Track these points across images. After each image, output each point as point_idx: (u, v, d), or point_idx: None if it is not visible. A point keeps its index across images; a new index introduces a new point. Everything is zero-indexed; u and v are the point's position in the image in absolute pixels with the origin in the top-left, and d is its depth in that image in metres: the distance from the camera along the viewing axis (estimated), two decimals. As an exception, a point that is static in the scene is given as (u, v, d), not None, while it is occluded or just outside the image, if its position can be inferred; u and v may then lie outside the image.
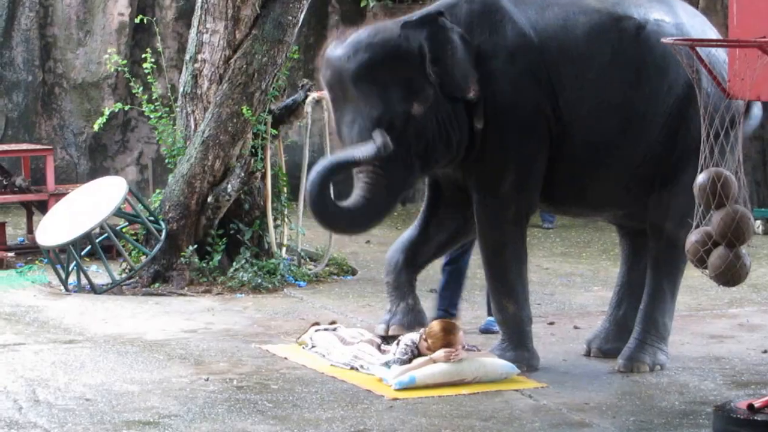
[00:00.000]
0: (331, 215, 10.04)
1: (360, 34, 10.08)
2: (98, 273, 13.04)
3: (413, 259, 10.46)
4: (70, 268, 12.86)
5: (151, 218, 13.10)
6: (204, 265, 13.10)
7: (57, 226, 12.89)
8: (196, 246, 12.95)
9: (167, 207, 13.19)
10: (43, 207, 14.42)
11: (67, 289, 12.83)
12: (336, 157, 10.25)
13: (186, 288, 12.74)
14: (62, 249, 12.82)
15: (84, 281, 12.87)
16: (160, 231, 13.01)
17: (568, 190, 10.29)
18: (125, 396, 9.13)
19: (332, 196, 10.08)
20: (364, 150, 9.61)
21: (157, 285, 12.84)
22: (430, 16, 9.87)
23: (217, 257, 13.14)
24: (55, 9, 19.77)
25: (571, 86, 10.00)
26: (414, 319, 10.22)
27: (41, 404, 8.89)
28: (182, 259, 13.09)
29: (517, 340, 10.06)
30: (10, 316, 11.80)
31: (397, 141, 9.64)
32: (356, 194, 9.99)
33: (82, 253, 12.92)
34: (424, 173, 10.28)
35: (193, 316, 11.83)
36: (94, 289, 12.73)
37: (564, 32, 10.06)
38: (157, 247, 12.94)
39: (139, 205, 13.34)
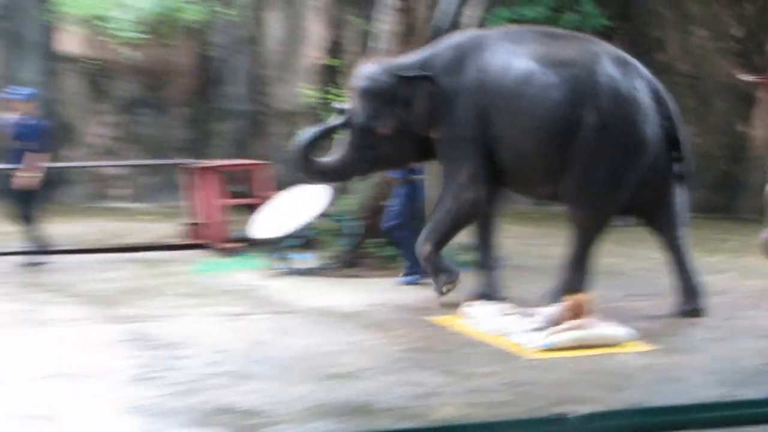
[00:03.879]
0: (310, 169, 11.41)
1: (373, 67, 11.37)
2: (304, 260, 13.16)
3: None
4: (284, 256, 13.14)
5: (344, 217, 13.32)
6: (385, 254, 13.22)
7: (271, 222, 13.11)
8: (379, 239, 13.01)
9: (360, 208, 13.30)
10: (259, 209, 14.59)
11: (280, 272, 13.03)
12: (311, 133, 11.45)
13: (372, 272, 12.86)
14: (277, 240, 13.06)
15: (293, 266, 13.09)
16: (352, 227, 13.24)
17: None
18: (327, 354, 9.29)
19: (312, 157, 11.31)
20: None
21: (349, 270, 12.93)
22: (417, 78, 10.90)
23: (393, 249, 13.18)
24: (264, 53, 20.00)
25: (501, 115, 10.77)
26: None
27: (262, 361, 9.10)
28: (369, 249, 13.27)
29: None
30: (236, 292, 12.05)
31: (359, 139, 11.13)
32: (332, 158, 11.48)
33: (293, 243, 13.10)
34: (370, 166, 11.53)
35: (377, 294, 11.90)
36: (301, 272, 12.94)
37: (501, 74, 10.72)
38: (350, 240, 13.15)
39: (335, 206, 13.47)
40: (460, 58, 10.90)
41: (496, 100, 10.70)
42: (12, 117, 13.56)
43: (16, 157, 13.57)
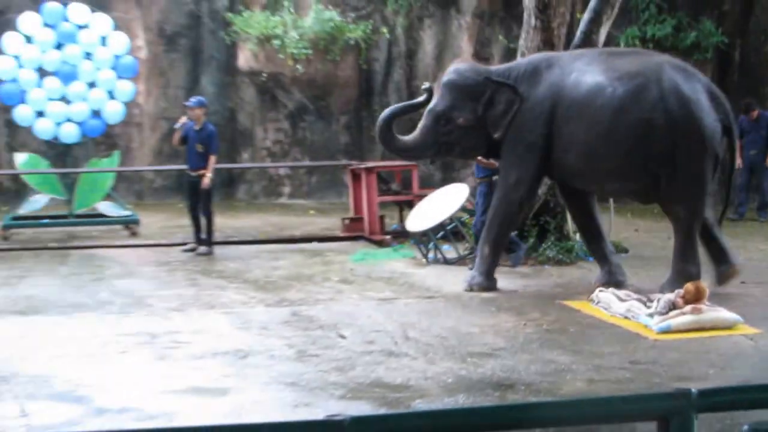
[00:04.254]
0: (389, 142, 11.73)
1: (463, 65, 11.78)
2: (448, 250, 13.15)
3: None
4: (429, 247, 13.17)
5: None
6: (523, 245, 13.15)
7: (420, 217, 13.16)
8: (517, 233, 12.91)
9: None
10: (410, 204, 14.69)
11: (427, 261, 13.06)
12: (393, 108, 12.12)
13: (506, 261, 12.66)
14: (424, 233, 13.12)
15: (439, 256, 13.11)
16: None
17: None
18: (468, 335, 9.37)
19: (393, 131, 11.68)
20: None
21: None
22: (503, 84, 11.17)
23: (532, 240, 13.15)
24: (418, 66, 20.08)
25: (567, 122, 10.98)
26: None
27: (410, 340, 9.18)
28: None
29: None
30: (388, 279, 12.13)
31: (437, 125, 11.36)
32: (410, 136, 11.70)
33: (438, 236, 13.11)
34: (441, 151, 11.67)
35: (515, 280, 11.90)
36: (446, 261, 12.97)
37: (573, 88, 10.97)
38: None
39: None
40: (534, 73, 11.22)
41: (569, 110, 10.96)
42: (189, 122, 13.89)
43: (193, 159, 13.90)
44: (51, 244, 14.73)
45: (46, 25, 15.52)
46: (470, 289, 11.24)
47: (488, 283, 11.29)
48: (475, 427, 3.45)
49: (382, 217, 15.17)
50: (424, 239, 13.16)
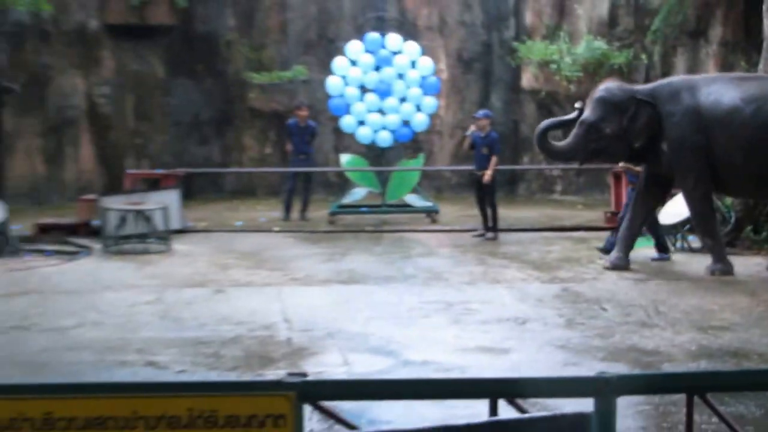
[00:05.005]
0: (546, 149, 11.70)
1: (613, 84, 11.59)
2: (693, 240, 12.67)
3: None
4: (678, 237, 12.86)
5: (728, 209, 12.85)
6: (757, 237, 12.76)
7: (670, 212, 12.71)
8: (752, 226, 12.60)
9: (737, 202, 12.80)
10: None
11: (675, 249, 12.62)
12: (550, 121, 12.08)
13: (746, 251, 12.37)
14: (673, 225, 12.73)
15: (685, 245, 12.75)
16: (730, 217, 12.84)
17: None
18: (709, 311, 9.21)
19: (548, 138, 11.65)
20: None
21: (731, 248, 12.03)
22: (645, 102, 11.07)
23: (764, 233, 12.74)
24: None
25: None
26: None
27: (660, 314, 9.11)
28: (744, 233, 12.83)
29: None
30: (642, 263, 11.76)
31: (587, 133, 11.20)
32: (563, 142, 11.73)
33: (684, 228, 12.70)
34: (589, 156, 11.49)
35: (749, 267, 11.42)
36: (692, 250, 12.58)
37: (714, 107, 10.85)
38: (731, 226, 12.73)
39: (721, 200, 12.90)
40: (677, 94, 11.06)
41: (711, 126, 10.85)
42: (478, 132, 14.07)
43: (479, 160, 14.04)
44: (367, 228, 15.10)
45: (368, 51, 15.91)
46: (712, 273, 11.00)
47: (727, 268, 11.01)
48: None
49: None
50: (673, 230, 12.89)
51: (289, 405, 2.95)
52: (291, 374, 3.07)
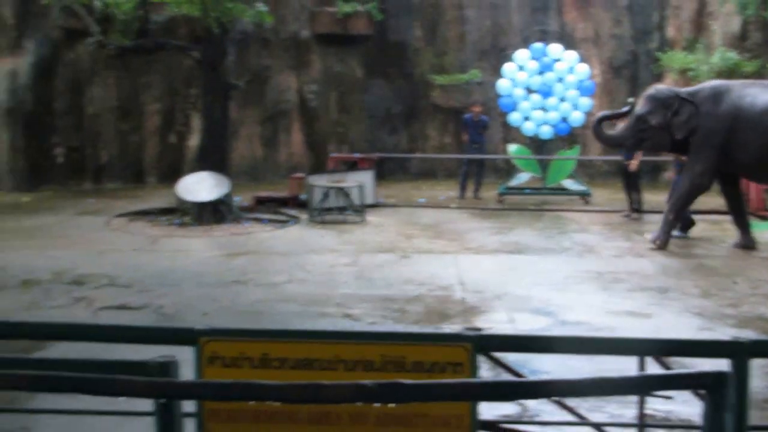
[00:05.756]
0: (600, 135, 11.52)
1: (662, 85, 11.66)
2: None
3: None
4: None
5: None
6: None
7: None
8: None
9: None
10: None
11: None
12: (604, 112, 11.99)
13: None
14: None
15: None
16: None
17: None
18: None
19: (603, 127, 11.49)
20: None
21: None
22: (687, 101, 10.71)
23: None
24: None
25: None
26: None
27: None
28: None
29: None
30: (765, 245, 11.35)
31: (636, 124, 11.03)
32: (615, 130, 11.74)
33: None
34: (638, 143, 11.27)
35: None
36: None
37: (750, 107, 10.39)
38: None
39: None
40: (716, 96, 10.68)
41: (746, 123, 10.39)
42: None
43: (628, 152, 13.63)
44: (530, 207, 15.00)
45: (533, 58, 15.79)
46: (653, 242, 10.93)
47: (666, 239, 10.91)
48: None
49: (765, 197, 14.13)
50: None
51: (466, 354, 2.93)
52: (467, 329, 3.05)
